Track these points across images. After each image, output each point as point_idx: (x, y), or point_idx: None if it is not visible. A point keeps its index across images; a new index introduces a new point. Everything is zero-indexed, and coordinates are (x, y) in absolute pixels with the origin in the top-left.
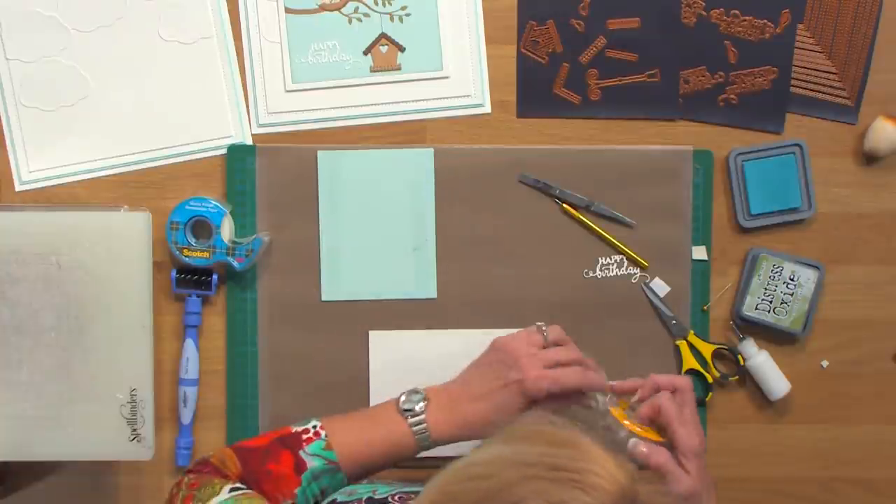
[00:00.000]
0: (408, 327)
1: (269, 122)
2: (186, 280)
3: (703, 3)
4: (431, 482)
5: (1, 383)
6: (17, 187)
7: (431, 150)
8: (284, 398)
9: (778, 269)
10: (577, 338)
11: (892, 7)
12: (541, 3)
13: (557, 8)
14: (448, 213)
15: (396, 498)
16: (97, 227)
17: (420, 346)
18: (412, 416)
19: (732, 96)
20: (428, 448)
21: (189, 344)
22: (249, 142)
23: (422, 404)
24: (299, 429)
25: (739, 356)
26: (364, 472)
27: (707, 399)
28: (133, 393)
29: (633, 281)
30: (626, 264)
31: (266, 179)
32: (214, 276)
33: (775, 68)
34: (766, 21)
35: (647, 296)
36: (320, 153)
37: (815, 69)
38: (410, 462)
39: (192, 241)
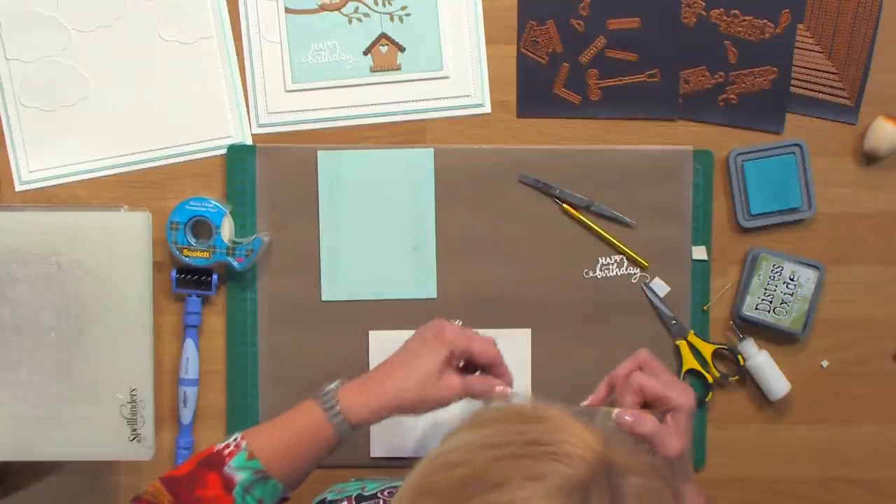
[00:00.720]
0: (408, 327)
1: (269, 122)
2: (186, 280)
3: (703, 3)
4: (409, 475)
5: (1, 383)
6: (17, 187)
7: (431, 150)
8: (284, 398)
9: (778, 269)
10: (577, 338)
11: (892, 7)
12: (541, 3)
13: (557, 8)
14: (448, 213)
15: (385, 493)
16: (97, 227)
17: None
18: (325, 401)
19: (732, 96)
20: (350, 433)
21: (189, 344)
22: (249, 142)
23: (333, 386)
24: (221, 445)
25: (739, 356)
26: (295, 472)
27: (707, 399)
28: (133, 393)
29: (633, 281)
30: (626, 264)
31: (266, 179)
32: (214, 276)
33: (775, 68)
34: (766, 21)
35: (647, 296)
36: (320, 153)
37: (815, 69)
38: (404, 463)
39: (192, 241)
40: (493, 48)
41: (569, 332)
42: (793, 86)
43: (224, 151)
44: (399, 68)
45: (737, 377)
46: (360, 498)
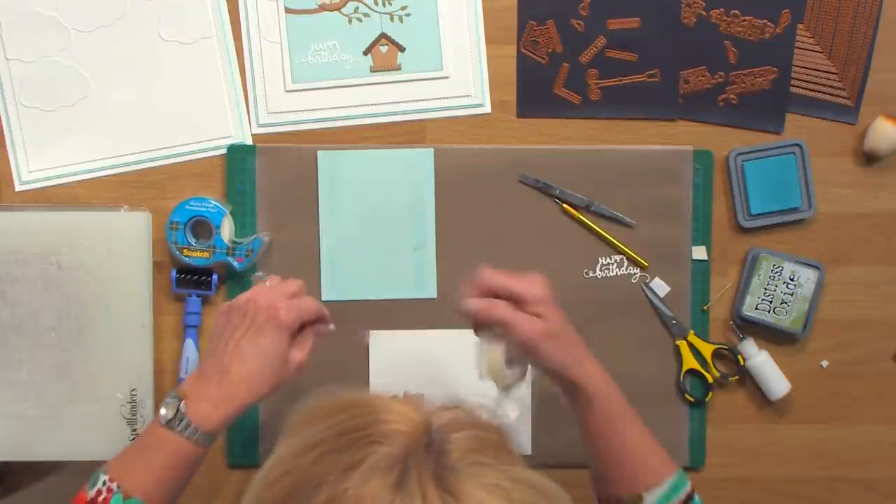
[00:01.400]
0: (408, 327)
1: (269, 122)
2: (186, 280)
3: (703, 3)
4: (245, 495)
5: (1, 383)
6: (17, 187)
7: (431, 150)
8: (283, 398)
9: (778, 269)
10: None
11: (892, 7)
12: (541, 3)
13: (557, 8)
14: (448, 213)
15: None
16: (97, 227)
17: (420, 346)
18: (177, 425)
19: (732, 96)
20: (212, 440)
21: (189, 344)
22: (249, 142)
23: (181, 406)
24: (92, 492)
25: (739, 356)
26: (175, 494)
27: (707, 399)
28: (133, 393)
29: (633, 281)
30: (626, 264)
31: (266, 179)
32: (214, 276)
33: (775, 68)
34: (766, 21)
35: (647, 296)
36: (320, 153)
37: (815, 69)
38: None
39: (192, 241)
40: (493, 48)
41: None
42: (793, 86)
43: (224, 151)
44: (399, 68)
45: (737, 377)
46: None
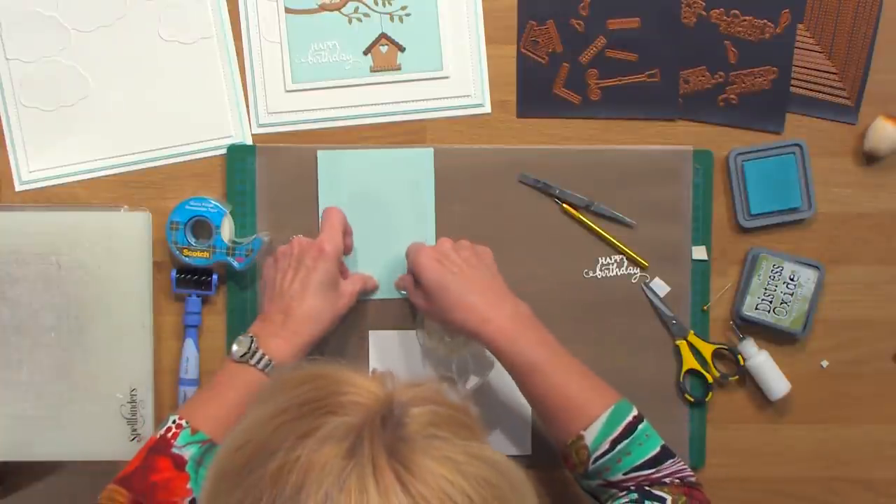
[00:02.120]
0: (408, 327)
1: (269, 122)
2: (186, 280)
3: (703, 3)
4: (213, 460)
5: (1, 383)
6: (17, 187)
7: (431, 149)
8: None
9: (778, 269)
10: (577, 338)
11: (892, 7)
12: (541, 3)
13: (557, 8)
14: (448, 213)
15: None
16: (97, 227)
17: (420, 345)
18: (251, 358)
19: (732, 96)
20: None
21: (189, 344)
22: (249, 142)
23: (253, 342)
24: (162, 430)
25: (739, 356)
26: None
27: (707, 399)
28: (133, 393)
29: (633, 281)
30: (626, 264)
31: (266, 179)
32: (214, 276)
33: (775, 68)
34: (766, 21)
35: (647, 296)
36: (320, 153)
37: (815, 69)
38: None
39: (192, 241)
40: (493, 48)
41: (569, 332)
42: (793, 86)
43: (224, 151)
44: (399, 68)
45: (737, 377)
46: None
